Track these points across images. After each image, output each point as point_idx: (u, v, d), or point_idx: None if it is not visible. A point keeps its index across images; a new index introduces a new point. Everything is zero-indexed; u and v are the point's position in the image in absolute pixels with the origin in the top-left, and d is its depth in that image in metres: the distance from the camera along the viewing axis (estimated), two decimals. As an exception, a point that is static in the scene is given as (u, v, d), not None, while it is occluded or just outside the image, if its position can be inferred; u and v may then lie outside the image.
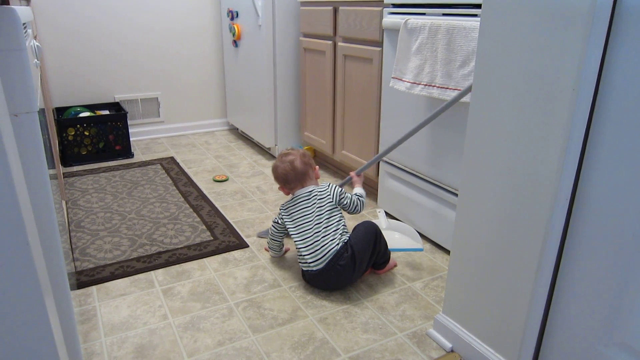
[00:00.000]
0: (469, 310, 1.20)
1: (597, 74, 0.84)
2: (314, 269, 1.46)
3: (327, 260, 1.44)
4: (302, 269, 1.52)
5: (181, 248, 1.76)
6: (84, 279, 1.56)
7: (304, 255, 1.48)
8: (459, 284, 1.21)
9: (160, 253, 1.72)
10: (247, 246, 1.78)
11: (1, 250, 0.62)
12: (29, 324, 0.67)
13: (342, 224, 1.50)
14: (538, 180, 0.95)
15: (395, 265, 1.65)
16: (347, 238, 1.48)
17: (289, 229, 1.54)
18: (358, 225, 1.54)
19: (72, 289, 1.46)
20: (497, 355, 1.13)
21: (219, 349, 1.26)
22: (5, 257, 0.62)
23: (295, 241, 1.52)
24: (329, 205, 1.51)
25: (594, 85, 0.85)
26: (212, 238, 1.84)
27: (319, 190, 1.54)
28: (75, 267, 1.62)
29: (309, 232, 1.48)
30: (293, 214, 1.54)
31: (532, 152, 0.95)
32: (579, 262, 0.95)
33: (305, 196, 1.54)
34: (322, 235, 1.46)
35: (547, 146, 0.92)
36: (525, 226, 1.00)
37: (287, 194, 1.61)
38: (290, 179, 1.55)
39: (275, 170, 1.59)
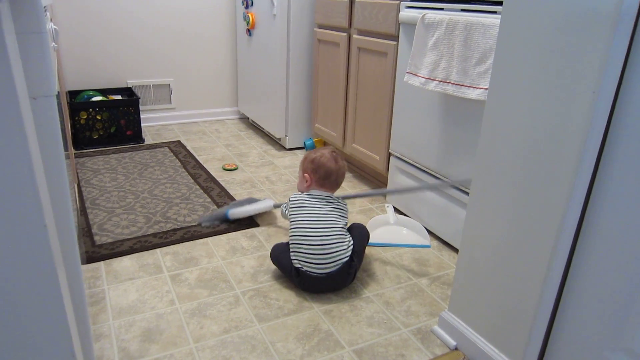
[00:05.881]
0: (475, 309, 1.20)
1: (618, 78, 0.83)
2: (321, 272, 1.41)
3: (338, 267, 1.41)
4: (300, 270, 1.43)
5: (195, 226, 1.83)
6: (105, 252, 1.63)
7: (314, 254, 1.40)
8: (466, 282, 1.21)
9: (175, 230, 1.80)
10: (258, 225, 1.85)
11: (20, 231, 0.62)
12: (43, 303, 0.68)
13: (349, 237, 1.48)
14: (552, 182, 0.94)
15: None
16: (352, 250, 1.45)
17: (298, 224, 1.45)
18: (353, 231, 1.52)
19: (94, 261, 1.57)
20: (502, 356, 1.14)
21: (224, 336, 1.27)
22: (23, 237, 0.63)
23: (302, 236, 1.42)
24: (344, 220, 1.50)
25: (615, 89, 0.84)
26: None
27: (342, 203, 1.53)
28: (94, 241, 1.70)
29: (324, 234, 1.42)
30: (308, 208, 1.48)
31: (548, 153, 0.94)
32: (590, 266, 0.94)
33: (329, 199, 1.51)
34: (337, 242, 1.42)
35: (564, 148, 0.91)
36: (537, 228, 0.99)
37: (308, 186, 1.56)
38: (332, 179, 1.54)
39: (321, 162, 1.53)
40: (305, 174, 1.57)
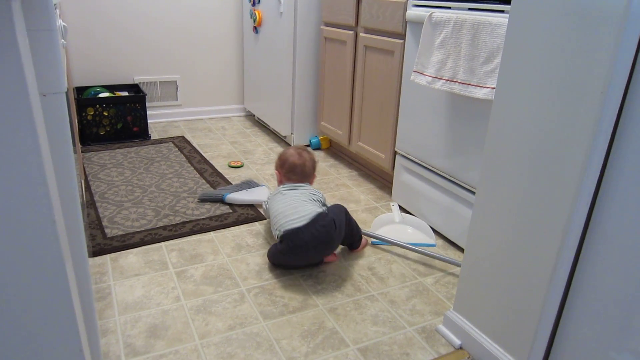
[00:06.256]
0: (481, 308, 1.20)
1: (627, 77, 0.83)
2: (296, 225, 1.47)
3: (310, 219, 1.48)
4: (279, 235, 1.50)
5: (204, 219, 1.86)
6: (116, 244, 1.67)
7: (286, 214, 1.51)
8: (472, 282, 1.21)
9: (184, 223, 1.83)
10: (265, 219, 1.89)
11: (29, 226, 0.63)
12: (51, 298, 0.68)
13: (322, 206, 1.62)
14: (559, 182, 0.94)
15: (367, 243, 1.72)
16: (326, 210, 1.56)
17: (273, 205, 1.59)
18: (329, 207, 1.64)
19: (105, 253, 1.61)
20: (507, 355, 1.14)
21: (229, 333, 1.28)
22: (32, 233, 0.63)
23: (276, 210, 1.55)
24: (315, 198, 1.60)
25: (623, 89, 0.84)
26: (231, 210, 1.95)
27: (312, 188, 1.67)
28: (105, 233, 1.73)
29: (294, 202, 1.55)
30: (282, 194, 1.61)
31: (555, 153, 0.94)
32: (596, 266, 0.94)
33: (299, 186, 1.65)
34: (309, 204, 1.54)
35: (571, 148, 0.91)
36: (544, 227, 0.99)
37: (279, 182, 1.74)
38: (297, 171, 1.69)
39: (285, 158, 1.71)
40: (276, 171, 1.76)
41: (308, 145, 2.81)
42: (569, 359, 1.03)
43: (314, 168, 1.73)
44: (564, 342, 1.04)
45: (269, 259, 1.59)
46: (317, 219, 1.48)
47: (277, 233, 1.52)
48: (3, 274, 0.64)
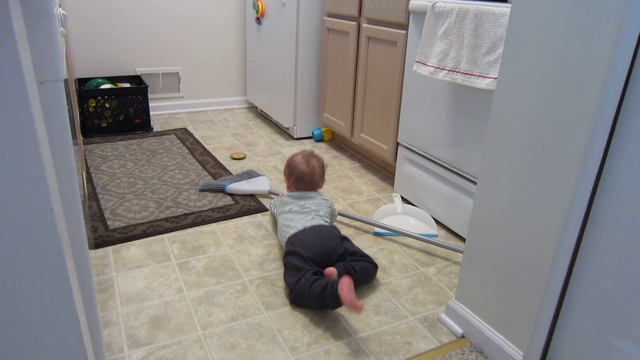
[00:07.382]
0: (482, 297, 1.20)
1: (629, 65, 0.82)
2: (307, 225, 1.48)
3: (319, 222, 1.50)
4: (288, 237, 1.47)
5: (206, 210, 1.86)
6: (118, 236, 1.67)
7: (297, 220, 1.51)
8: (473, 271, 1.21)
9: (186, 214, 1.83)
10: (267, 209, 1.89)
11: (27, 215, 0.63)
12: (50, 288, 0.68)
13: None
14: (560, 171, 0.93)
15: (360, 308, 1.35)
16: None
17: (281, 217, 1.58)
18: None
19: (108, 245, 1.62)
20: (508, 343, 1.13)
21: (232, 324, 1.28)
22: (30, 222, 0.63)
23: (284, 222, 1.54)
24: (324, 210, 1.59)
25: (625, 77, 0.83)
26: (233, 202, 1.95)
27: (322, 197, 1.65)
28: (107, 225, 1.74)
29: (305, 215, 1.53)
30: (292, 204, 1.59)
31: (557, 142, 0.93)
32: (597, 253, 0.93)
33: (308, 197, 1.63)
34: (317, 212, 1.55)
35: (573, 137, 0.90)
36: (544, 216, 0.98)
37: (289, 188, 1.70)
38: (305, 181, 1.65)
39: (294, 166, 1.66)
40: (284, 177, 1.72)
41: (310, 137, 2.80)
42: (570, 346, 1.03)
43: (322, 174, 1.69)
44: (565, 330, 1.03)
45: (295, 302, 1.37)
46: (328, 225, 1.52)
47: (284, 239, 1.51)
48: (1, 263, 0.64)
